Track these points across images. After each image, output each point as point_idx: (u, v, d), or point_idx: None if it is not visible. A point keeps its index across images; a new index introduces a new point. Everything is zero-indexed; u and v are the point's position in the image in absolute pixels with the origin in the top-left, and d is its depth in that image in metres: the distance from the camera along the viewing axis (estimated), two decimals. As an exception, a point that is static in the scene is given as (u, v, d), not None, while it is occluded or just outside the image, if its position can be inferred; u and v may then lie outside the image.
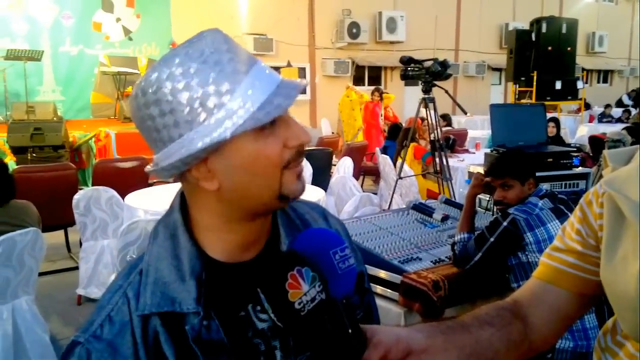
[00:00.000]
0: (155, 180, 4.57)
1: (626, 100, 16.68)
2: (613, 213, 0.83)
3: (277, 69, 11.06)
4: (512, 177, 2.46)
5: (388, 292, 2.47)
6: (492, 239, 2.36)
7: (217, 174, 0.75)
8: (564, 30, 11.21)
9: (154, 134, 0.74)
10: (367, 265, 2.57)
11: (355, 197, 4.07)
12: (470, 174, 3.07)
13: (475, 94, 16.80)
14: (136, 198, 3.94)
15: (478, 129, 10.45)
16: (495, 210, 2.92)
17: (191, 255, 0.79)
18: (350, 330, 0.69)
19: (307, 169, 5.29)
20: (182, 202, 0.83)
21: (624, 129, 7.71)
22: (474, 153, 6.80)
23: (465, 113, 4.57)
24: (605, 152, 0.95)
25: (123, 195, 4.02)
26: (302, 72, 13.00)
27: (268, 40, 12.49)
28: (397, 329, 0.79)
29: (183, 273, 0.77)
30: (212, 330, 0.76)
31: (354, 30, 13.88)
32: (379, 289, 2.50)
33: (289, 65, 11.05)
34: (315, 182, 5.07)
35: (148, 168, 0.80)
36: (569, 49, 11.29)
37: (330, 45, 14.07)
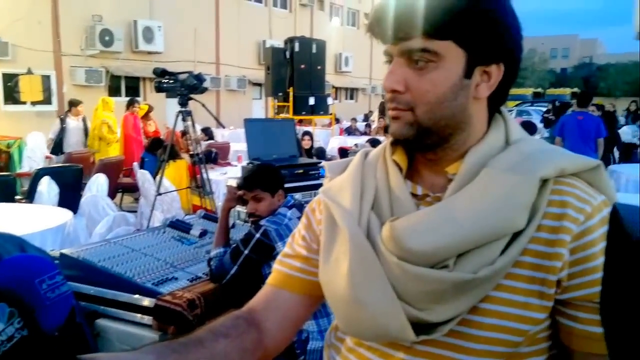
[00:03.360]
0: None
1: (360, 119, 18.44)
2: (328, 219, 0.89)
3: (15, 75, 9.77)
4: (263, 190, 2.53)
5: (145, 318, 2.33)
6: (246, 252, 2.39)
7: None
8: (314, 50, 12.16)
9: None
10: (117, 292, 2.39)
11: (108, 218, 3.78)
12: (229, 187, 3.09)
13: (238, 107, 17.27)
14: None
15: (242, 142, 10.70)
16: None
17: None
18: None
19: (52, 188, 4.73)
20: None
21: (367, 140, 8.71)
22: (237, 166, 6.92)
23: (223, 127, 4.61)
24: (325, 163, 1.02)
25: None
26: (46, 80, 11.69)
27: (2, 44, 10.95)
28: (122, 355, 0.74)
29: None
30: None
31: (107, 38, 13.05)
32: (138, 316, 2.35)
33: (29, 72, 9.82)
34: (62, 203, 4.56)
35: None
36: (319, 67, 12.29)
37: (79, 52, 12.98)
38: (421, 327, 0.78)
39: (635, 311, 0.40)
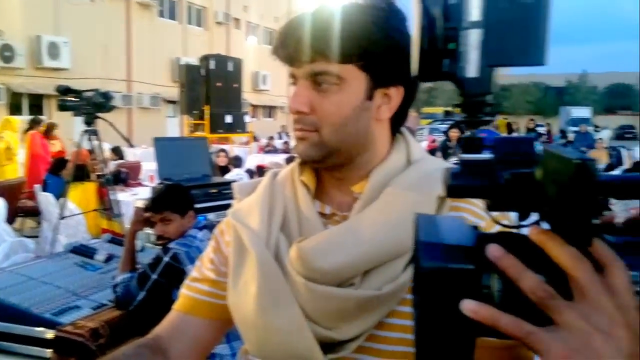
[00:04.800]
0: None
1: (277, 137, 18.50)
2: (237, 242, 0.88)
3: None
4: (171, 211, 2.46)
5: (45, 351, 2.19)
6: (154, 276, 2.31)
7: None
8: (230, 68, 12.09)
9: None
10: (12, 325, 2.24)
11: (4, 245, 3.52)
12: (135, 209, 2.98)
13: (151, 125, 16.78)
14: None
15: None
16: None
17: None
18: None
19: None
20: None
21: (285, 158, 8.73)
22: (148, 186, 6.69)
23: (132, 146, 4.46)
24: (234, 184, 1.01)
25: None
26: (-63, 97, 10.83)
27: None
28: None
29: None
30: None
31: (7, 54, 12.32)
32: (36, 349, 2.21)
33: None
34: (-48, 230, 4.21)
35: None
36: (235, 85, 12.24)
37: (-24, 68, 12.15)
38: (330, 346, 0.79)
39: (420, 311, 0.46)
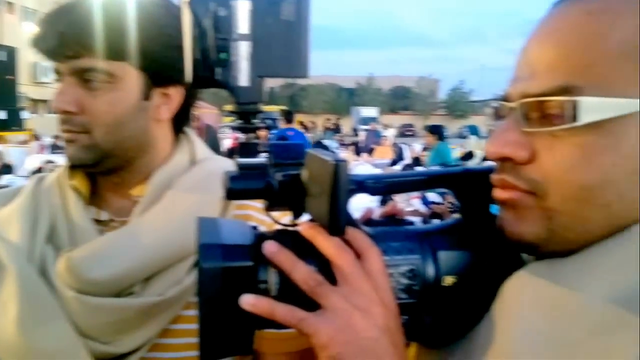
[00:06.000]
0: None
1: None
2: None
3: None
4: None
5: None
6: None
7: None
8: (3, 58, 10.85)
9: None
10: None
11: None
12: None
13: None
14: None
15: None
16: None
17: None
18: None
19: None
20: None
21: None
22: None
23: None
24: None
25: None
26: None
27: None
28: None
29: None
30: None
31: None
32: None
33: None
34: None
35: None
36: (9, 77, 11.02)
37: None
38: None
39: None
